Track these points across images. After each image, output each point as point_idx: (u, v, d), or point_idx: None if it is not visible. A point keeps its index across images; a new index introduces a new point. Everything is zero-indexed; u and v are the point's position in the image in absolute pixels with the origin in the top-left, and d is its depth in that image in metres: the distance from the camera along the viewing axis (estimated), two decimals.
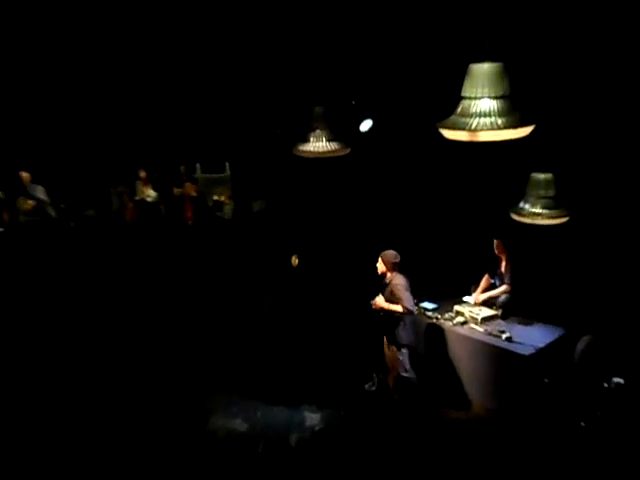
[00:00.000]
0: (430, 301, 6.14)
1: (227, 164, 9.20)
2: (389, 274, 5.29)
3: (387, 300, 5.25)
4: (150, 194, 8.30)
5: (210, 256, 7.41)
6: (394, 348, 5.37)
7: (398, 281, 5.19)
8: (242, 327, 6.71)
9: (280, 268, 6.81)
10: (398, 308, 5.13)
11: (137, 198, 8.27)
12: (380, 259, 5.30)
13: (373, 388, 5.87)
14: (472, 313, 5.89)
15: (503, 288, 5.99)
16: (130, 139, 8.39)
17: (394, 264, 5.26)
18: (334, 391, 5.81)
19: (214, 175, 9.14)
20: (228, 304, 7.03)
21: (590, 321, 5.21)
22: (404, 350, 5.31)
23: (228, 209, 8.70)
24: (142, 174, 8.41)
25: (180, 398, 5.53)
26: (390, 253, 5.26)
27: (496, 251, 6.03)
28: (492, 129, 3.13)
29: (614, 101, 5.01)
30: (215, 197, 8.82)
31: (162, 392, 5.62)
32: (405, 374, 5.31)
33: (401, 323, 5.27)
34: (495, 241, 6.01)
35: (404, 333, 5.25)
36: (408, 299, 5.14)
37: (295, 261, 6.52)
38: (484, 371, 5.56)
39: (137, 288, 6.86)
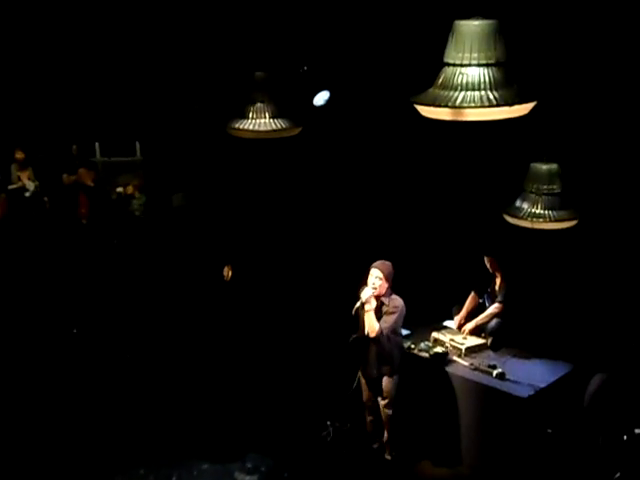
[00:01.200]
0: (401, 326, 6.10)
1: (137, 145, 9.09)
2: (384, 296, 5.42)
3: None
4: (29, 183, 8.13)
5: (111, 267, 7.37)
6: (387, 379, 5.55)
7: (398, 304, 5.41)
8: (156, 363, 6.74)
9: (207, 283, 6.84)
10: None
11: (11, 187, 8.11)
12: (378, 272, 5.38)
13: (329, 439, 5.95)
14: (454, 342, 5.98)
15: (494, 309, 6.12)
16: (4, 108, 8.21)
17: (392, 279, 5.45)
18: (275, 442, 5.89)
19: (119, 159, 9.02)
20: (134, 331, 7.02)
21: (604, 355, 5.31)
22: (395, 377, 5.53)
23: (137, 204, 8.60)
24: (19, 155, 8.25)
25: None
26: (388, 263, 5.43)
27: (489, 268, 6.17)
28: (482, 106, 3.16)
29: (637, 71, 5.09)
30: (120, 189, 8.71)
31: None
32: (389, 411, 5.56)
33: (391, 342, 5.47)
34: (486, 258, 6.14)
35: (397, 351, 5.51)
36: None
37: (228, 274, 6.62)
38: (469, 417, 5.63)
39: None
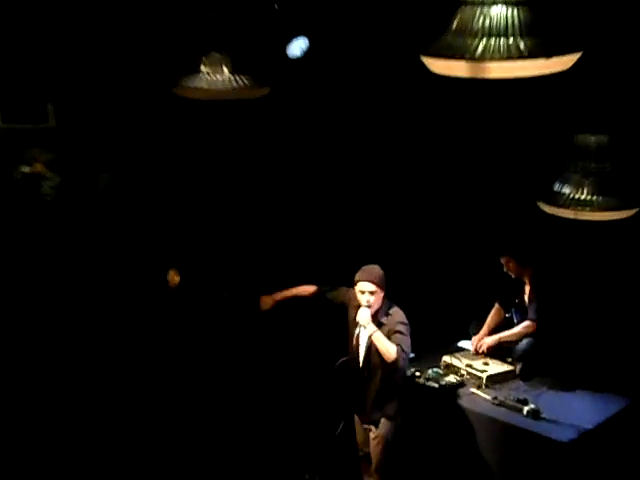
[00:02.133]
0: None
1: (50, 107, 9.03)
2: (380, 310, 5.51)
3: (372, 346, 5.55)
4: None
5: (14, 265, 7.33)
6: (386, 421, 5.64)
7: (402, 318, 5.48)
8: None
9: (144, 293, 6.88)
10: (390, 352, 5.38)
11: None
12: (369, 285, 5.45)
13: None
14: (472, 369, 6.03)
15: (524, 327, 6.17)
16: None
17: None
18: None
19: (25, 126, 8.96)
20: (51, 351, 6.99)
21: None
22: (398, 419, 5.63)
23: (49, 186, 8.53)
24: None
25: None
26: (375, 268, 5.54)
27: (511, 273, 6.24)
28: (510, 57, 3.14)
29: None
30: (25, 168, 8.65)
31: None
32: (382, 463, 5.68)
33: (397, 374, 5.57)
34: (503, 259, 6.21)
35: (402, 383, 5.65)
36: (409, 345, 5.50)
37: (174, 279, 6.67)
38: (492, 467, 5.67)
39: None
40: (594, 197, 4.92)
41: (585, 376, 5.97)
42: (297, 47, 6.74)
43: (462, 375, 6.06)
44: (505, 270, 6.23)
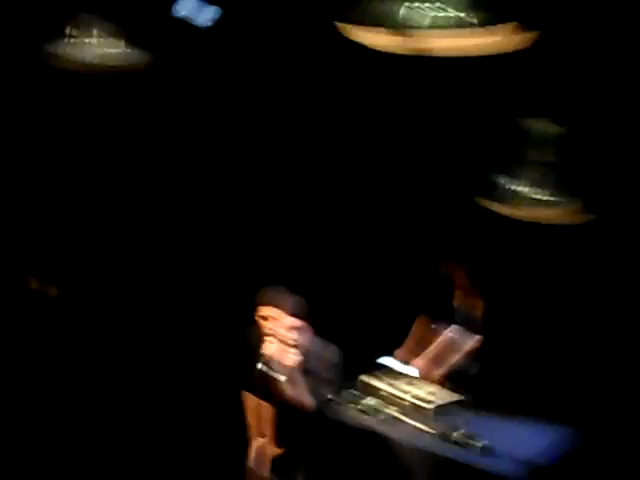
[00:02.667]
0: None
1: None
2: (301, 339, 5.05)
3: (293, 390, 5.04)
4: None
5: None
6: None
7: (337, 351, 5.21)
8: None
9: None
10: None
11: None
12: (291, 320, 4.96)
13: None
14: (401, 390, 6.02)
15: (470, 345, 6.25)
16: None
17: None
18: None
19: None
20: None
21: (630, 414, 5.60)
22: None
23: None
24: None
25: None
26: (293, 299, 5.06)
27: (452, 277, 6.34)
28: (449, 27, 3.24)
29: None
30: None
31: None
32: None
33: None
34: (443, 264, 6.29)
35: None
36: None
37: (44, 289, 6.85)
38: None
39: None
40: (545, 195, 5.08)
41: (538, 404, 6.03)
42: (185, 6, 6.65)
43: (393, 401, 5.99)
44: (442, 268, 6.29)
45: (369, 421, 5.86)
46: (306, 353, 5.05)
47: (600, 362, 6.10)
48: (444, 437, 5.68)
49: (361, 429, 5.82)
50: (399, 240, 6.90)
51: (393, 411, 5.92)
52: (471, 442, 5.59)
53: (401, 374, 6.28)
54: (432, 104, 6.46)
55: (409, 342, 6.44)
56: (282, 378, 4.87)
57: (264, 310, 4.98)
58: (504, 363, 6.22)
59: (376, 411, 5.90)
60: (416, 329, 6.46)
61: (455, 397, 6.10)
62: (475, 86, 5.85)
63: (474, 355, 6.22)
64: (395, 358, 6.42)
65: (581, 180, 5.12)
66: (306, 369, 5.05)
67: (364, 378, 6.13)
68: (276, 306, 4.97)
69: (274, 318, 4.95)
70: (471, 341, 6.22)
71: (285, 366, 4.88)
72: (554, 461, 5.58)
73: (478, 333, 6.20)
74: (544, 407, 6.03)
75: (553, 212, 5.03)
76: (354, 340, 6.24)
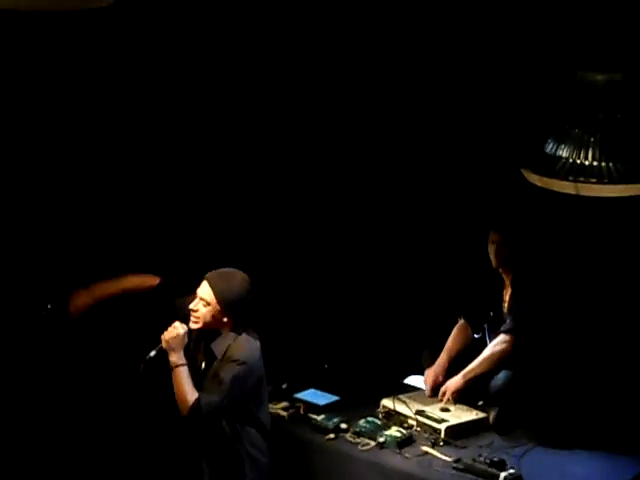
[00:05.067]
0: (321, 389, 6.25)
1: None
2: (218, 339, 5.20)
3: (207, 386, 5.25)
4: None
5: None
6: None
7: (239, 355, 5.15)
8: None
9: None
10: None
11: None
12: (207, 290, 5.14)
13: None
14: (425, 417, 5.82)
15: (497, 345, 5.93)
16: None
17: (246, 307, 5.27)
18: None
19: None
20: None
21: None
22: None
23: None
24: None
25: None
26: (236, 276, 5.24)
27: (495, 262, 6.00)
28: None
29: None
30: None
31: None
32: None
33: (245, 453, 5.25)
34: (492, 235, 5.97)
35: (249, 452, 5.32)
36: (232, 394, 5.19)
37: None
38: None
39: None
40: (604, 163, 4.66)
41: (588, 427, 5.80)
42: None
43: (410, 427, 5.77)
44: (492, 253, 5.95)
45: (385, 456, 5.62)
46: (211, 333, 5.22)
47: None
48: (462, 466, 5.46)
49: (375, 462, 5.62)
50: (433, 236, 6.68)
51: (423, 441, 5.71)
52: (495, 471, 5.35)
53: (431, 396, 6.08)
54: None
55: (444, 357, 6.08)
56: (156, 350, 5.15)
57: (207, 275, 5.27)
58: (543, 379, 5.89)
59: (396, 439, 5.65)
60: (452, 340, 6.11)
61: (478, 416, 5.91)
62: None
63: (505, 361, 5.90)
64: (426, 378, 6.19)
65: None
66: (210, 351, 5.25)
67: (385, 402, 5.94)
68: (207, 278, 5.21)
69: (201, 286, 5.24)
70: (499, 343, 5.86)
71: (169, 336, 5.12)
72: None
73: (509, 333, 5.85)
74: (589, 431, 5.78)
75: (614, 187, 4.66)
76: (380, 356, 6.61)
